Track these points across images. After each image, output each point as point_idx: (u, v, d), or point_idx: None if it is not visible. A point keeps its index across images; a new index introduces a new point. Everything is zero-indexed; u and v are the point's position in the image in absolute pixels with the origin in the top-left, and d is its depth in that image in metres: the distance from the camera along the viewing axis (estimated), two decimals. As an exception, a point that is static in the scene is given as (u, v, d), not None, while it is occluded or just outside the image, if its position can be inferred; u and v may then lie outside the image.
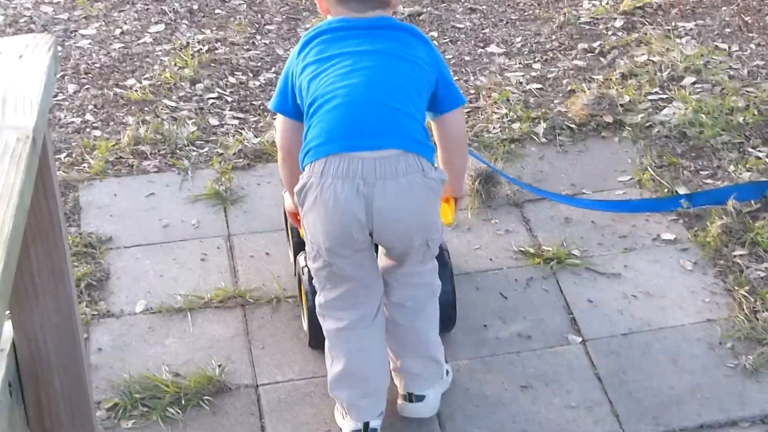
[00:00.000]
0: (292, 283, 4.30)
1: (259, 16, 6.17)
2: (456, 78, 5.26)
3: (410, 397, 3.14)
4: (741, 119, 4.61)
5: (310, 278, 3.41)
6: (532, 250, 4.50)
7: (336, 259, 2.87)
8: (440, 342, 3.18)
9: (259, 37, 5.92)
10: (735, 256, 3.93)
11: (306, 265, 3.48)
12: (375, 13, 2.93)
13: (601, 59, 5.43)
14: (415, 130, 2.87)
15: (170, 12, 6.13)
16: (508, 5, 6.15)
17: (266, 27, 6.01)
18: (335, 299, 2.99)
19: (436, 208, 3.08)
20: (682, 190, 4.44)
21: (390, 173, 2.84)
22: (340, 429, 3.23)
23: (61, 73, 5.48)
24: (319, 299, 3.05)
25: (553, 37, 5.71)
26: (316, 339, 3.49)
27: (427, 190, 2.92)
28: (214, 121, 5.12)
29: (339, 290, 2.98)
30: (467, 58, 5.64)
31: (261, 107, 5.34)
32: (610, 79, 5.19)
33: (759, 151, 4.47)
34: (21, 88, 2.29)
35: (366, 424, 3.04)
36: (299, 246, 3.62)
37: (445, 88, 2.97)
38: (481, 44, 5.69)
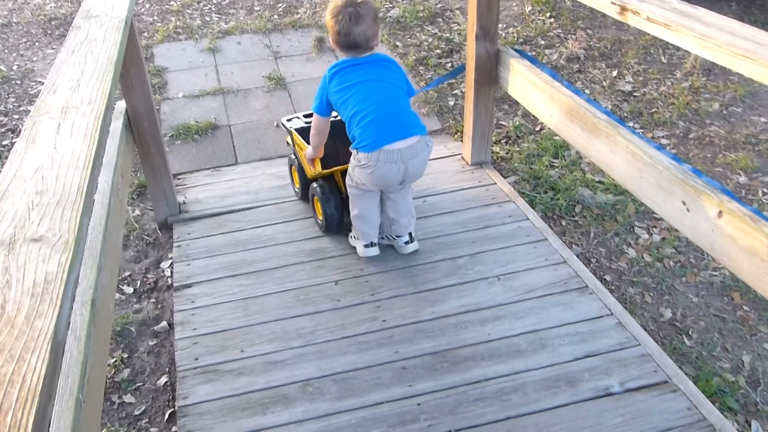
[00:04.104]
0: (248, 84, 4.58)
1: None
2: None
3: (410, 237, 3.07)
4: (421, 15, 4.85)
5: (320, 198, 3.09)
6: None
7: (372, 188, 2.66)
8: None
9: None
10: (449, 100, 4.05)
11: (317, 192, 3.10)
12: (367, 53, 2.57)
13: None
14: (418, 119, 2.91)
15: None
16: None
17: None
18: (361, 192, 2.79)
19: (427, 162, 2.96)
20: (398, 43, 4.68)
21: (414, 154, 2.86)
22: (355, 248, 3.07)
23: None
24: (351, 191, 2.93)
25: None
26: (327, 226, 3.10)
27: (427, 156, 2.97)
28: (207, 19, 5.15)
29: (362, 190, 2.76)
30: None
31: (225, 13, 5.15)
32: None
33: (428, 28, 4.57)
34: (120, 1, 2.19)
35: (371, 242, 2.86)
36: (306, 182, 3.30)
37: (408, 88, 2.67)
38: None
